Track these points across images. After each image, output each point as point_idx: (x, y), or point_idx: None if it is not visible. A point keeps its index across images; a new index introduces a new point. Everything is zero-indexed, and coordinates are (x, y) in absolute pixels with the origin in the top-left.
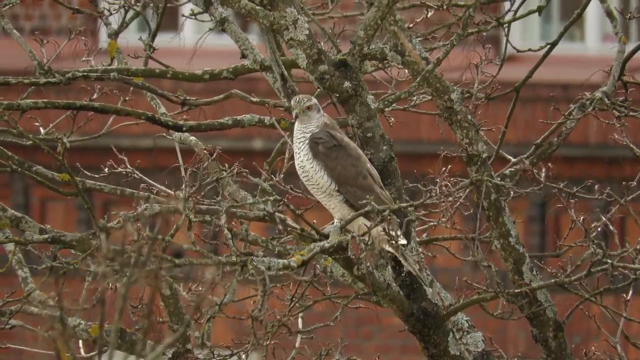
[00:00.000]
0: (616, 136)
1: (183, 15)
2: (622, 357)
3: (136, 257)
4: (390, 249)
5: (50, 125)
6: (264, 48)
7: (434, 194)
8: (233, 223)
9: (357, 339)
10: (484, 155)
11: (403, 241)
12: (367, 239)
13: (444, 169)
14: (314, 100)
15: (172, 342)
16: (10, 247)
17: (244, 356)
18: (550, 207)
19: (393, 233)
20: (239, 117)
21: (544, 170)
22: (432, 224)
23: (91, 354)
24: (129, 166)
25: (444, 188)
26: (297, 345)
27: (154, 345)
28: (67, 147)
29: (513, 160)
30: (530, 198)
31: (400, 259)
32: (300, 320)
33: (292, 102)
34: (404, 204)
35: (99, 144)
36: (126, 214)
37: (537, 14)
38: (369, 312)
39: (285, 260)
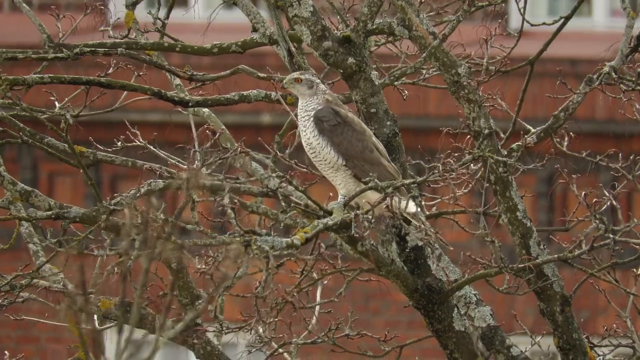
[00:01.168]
0: (623, 112)
1: (193, 9)
2: (632, 332)
3: (154, 232)
4: (403, 214)
5: (66, 99)
6: (272, 23)
7: (436, 171)
8: (236, 201)
9: (365, 313)
10: (486, 132)
11: (413, 209)
12: (370, 216)
13: (448, 145)
14: (307, 76)
15: (194, 317)
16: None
17: (261, 329)
18: (554, 182)
19: (403, 203)
20: (245, 93)
21: (566, 139)
22: (437, 200)
23: (104, 327)
24: (141, 140)
25: (446, 165)
26: (314, 319)
27: (167, 320)
28: (71, 123)
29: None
30: (538, 173)
31: (415, 220)
32: (319, 292)
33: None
34: (407, 181)
35: (109, 118)
36: (128, 193)
37: None
38: (378, 286)
39: (288, 239)
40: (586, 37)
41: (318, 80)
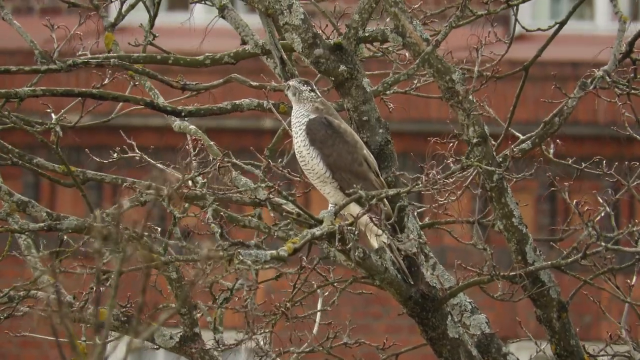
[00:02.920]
0: (626, 114)
1: (191, 2)
2: (628, 342)
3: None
4: (377, 239)
5: (62, 111)
6: (264, 32)
7: (419, 182)
8: (222, 214)
9: (365, 318)
10: (474, 141)
11: (384, 236)
12: (354, 227)
13: (441, 151)
14: (292, 82)
15: (167, 318)
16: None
17: (259, 343)
18: (548, 189)
19: (379, 223)
20: (237, 102)
21: (552, 147)
22: (425, 208)
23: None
24: (137, 151)
25: (429, 175)
26: (315, 329)
27: (149, 323)
28: (61, 136)
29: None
30: (540, 177)
31: (387, 250)
32: (320, 302)
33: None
34: (391, 191)
35: (110, 123)
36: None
37: None
38: (377, 292)
39: (274, 251)
40: (588, 40)
41: (304, 88)
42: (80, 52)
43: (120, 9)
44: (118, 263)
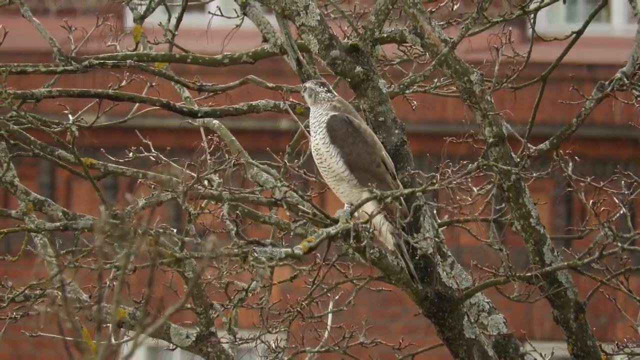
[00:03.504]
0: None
1: (210, 13)
2: None
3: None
4: (392, 239)
5: (79, 112)
6: (281, 33)
7: (434, 181)
8: (238, 212)
9: (383, 319)
10: (490, 141)
11: (394, 238)
12: (369, 226)
13: (461, 151)
14: (308, 84)
15: (174, 311)
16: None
17: (272, 342)
18: (565, 189)
19: (394, 221)
20: (254, 103)
21: (570, 165)
22: (441, 206)
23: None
24: (153, 150)
25: (444, 175)
26: (327, 329)
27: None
28: (76, 135)
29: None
30: (556, 179)
31: (397, 251)
32: (331, 303)
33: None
34: (406, 190)
35: (126, 124)
36: (127, 207)
37: (561, 1)
38: (395, 291)
39: (289, 249)
40: (605, 42)
41: (321, 89)
42: (108, 45)
43: (150, 2)
44: (124, 259)
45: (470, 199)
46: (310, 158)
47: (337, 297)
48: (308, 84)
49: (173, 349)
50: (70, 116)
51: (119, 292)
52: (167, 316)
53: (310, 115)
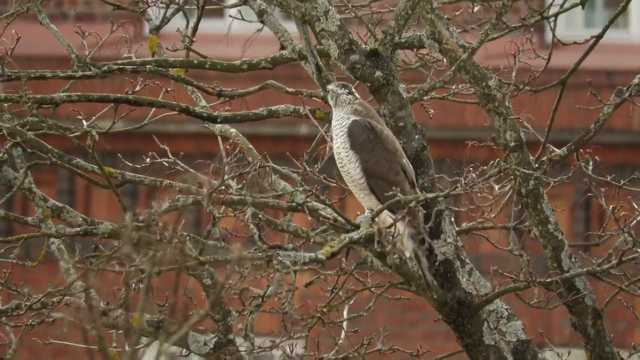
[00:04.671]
0: None
1: (230, 16)
2: None
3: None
4: (410, 245)
5: (94, 117)
6: (301, 38)
7: (458, 185)
8: (261, 216)
9: (402, 325)
10: (512, 145)
11: (411, 245)
12: (392, 231)
13: (481, 157)
14: (330, 87)
15: (196, 320)
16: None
17: (288, 349)
18: (584, 194)
19: (419, 226)
20: (273, 108)
21: (591, 164)
22: (461, 210)
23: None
24: (170, 156)
25: (468, 179)
26: (343, 335)
27: (180, 325)
28: (97, 140)
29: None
30: (576, 184)
31: (415, 259)
32: (345, 310)
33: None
34: (430, 195)
35: (144, 130)
36: (150, 210)
37: (580, 6)
38: (414, 298)
39: (312, 254)
40: (622, 49)
41: (342, 91)
42: (125, 55)
43: (165, 12)
44: (149, 265)
45: (491, 197)
46: (330, 164)
47: (351, 302)
48: (330, 87)
49: (186, 355)
50: (84, 122)
51: (144, 298)
52: (191, 325)
53: (333, 118)
